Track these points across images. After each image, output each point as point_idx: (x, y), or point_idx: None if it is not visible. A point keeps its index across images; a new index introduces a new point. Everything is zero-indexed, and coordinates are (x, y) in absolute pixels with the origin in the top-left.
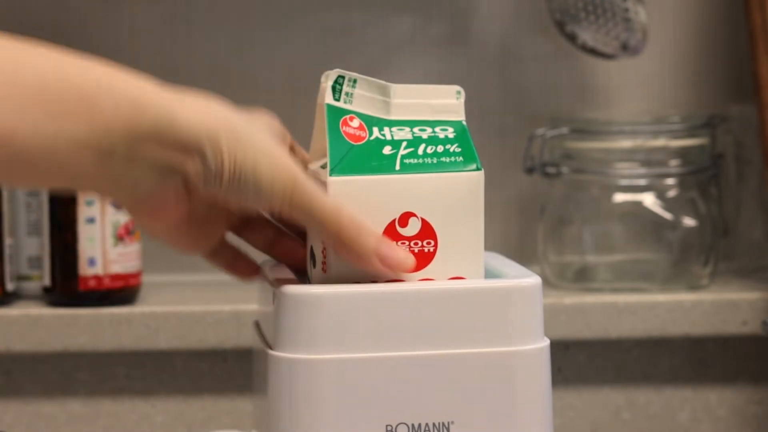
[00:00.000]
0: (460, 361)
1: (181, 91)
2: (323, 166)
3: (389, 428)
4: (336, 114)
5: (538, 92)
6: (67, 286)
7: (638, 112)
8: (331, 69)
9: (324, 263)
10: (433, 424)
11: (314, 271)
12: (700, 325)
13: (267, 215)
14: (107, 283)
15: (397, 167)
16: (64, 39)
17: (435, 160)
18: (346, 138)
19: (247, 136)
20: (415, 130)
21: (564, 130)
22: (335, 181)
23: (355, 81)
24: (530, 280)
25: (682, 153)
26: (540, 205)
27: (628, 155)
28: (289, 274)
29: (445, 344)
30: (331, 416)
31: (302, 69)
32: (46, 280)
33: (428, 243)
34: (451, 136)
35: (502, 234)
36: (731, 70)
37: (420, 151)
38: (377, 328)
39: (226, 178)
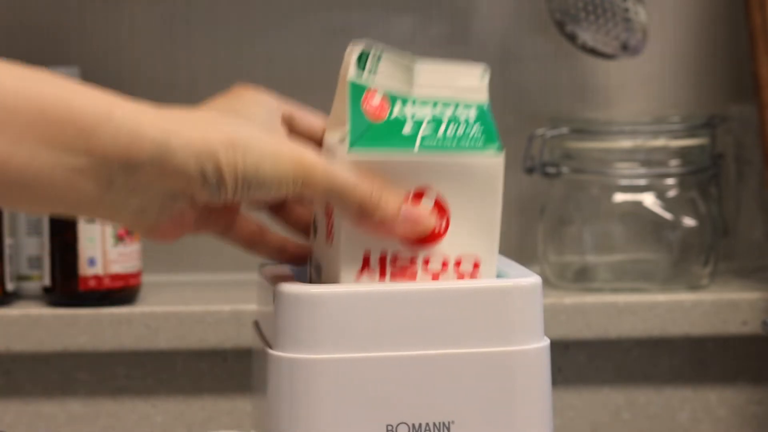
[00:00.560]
0: (460, 361)
1: (182, 112)
2: (341, 140)
3: (389, 428)
4: (358, 89)
5: (538, 92)
6: (67, 286)
7: (638, 112)
8: (333, 67)
9: (330, 234)
10: (434, 424)
11: (315, 242)
12: (700, 325)
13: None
14: (107, 283)
15: (416, 147)
16: (64, 39)
17: (455, 141)
18: (367, 114)
19: (244, 142)
20: (438, 108)
21: (564, 130)
22: (353, 157)
23: (380, 56)
24: (530, 279)
25: (682, 153)
26: (540, 205)
27: (628, 155)
28: (289, 273)
29: (445, 344)
30: (330, 416)
31: (302, 69)
32: (46, 280)
33: (440, 218)
34: (473, 116)
35: (502, 234)
36: (731, 70)
37: (441, 131)
38: (377, 327)
39: (231, 189)
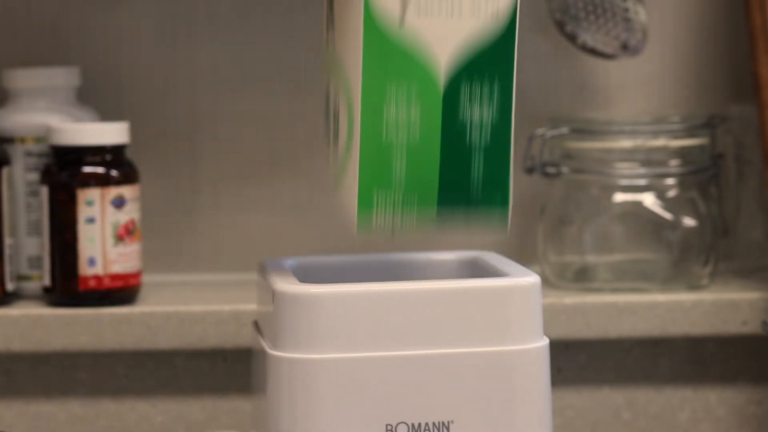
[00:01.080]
0: (460, 361)
1: None
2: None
3: (389, 428)
4: None
5: (538, 92)
6: (67, 286)
7: (638, 112)
8: None
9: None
10: (433, 424)
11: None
12: (700, 325)
13: None
14: (107, 283)
15: None
16: (64, 39)
17: None
18: None
19: None
20: None
21: (564, 130)
22: None
23: None
24: (530, 279)
25: (682, 153)
26: (540, 205)
27: (628, 155)
28: (289, 273)
29: (445, 343)
30: (330, 416)
31: (303, 68)
32: (46, 280)
33: None
34: None
35: (502, 234)
36: (731, 70)
37: None
38: (377, 327)
39: None
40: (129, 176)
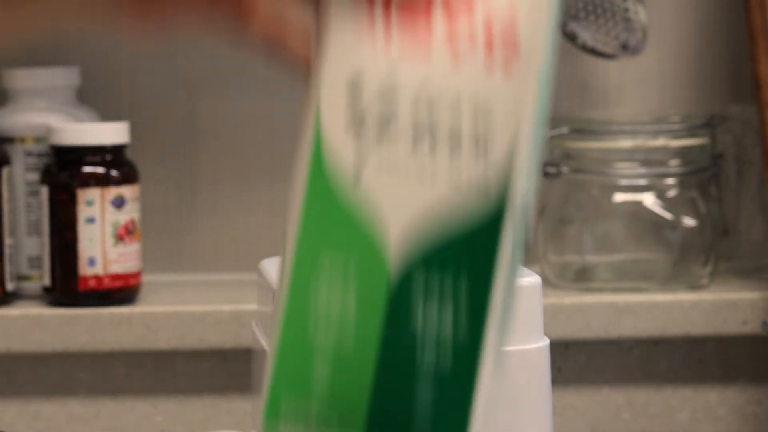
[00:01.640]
0: None
1: None
2: None
3: None
4: None
5: None
6: (67, 286)
7: (638, 112)
8: None
9: None
10: None
11: None
12: (700, 325)
13: None
14: (107, 283)
15: None
16: (64, 39)
17: None
18: None
19: None
20: None
21: (564, 130)
22: None
23: None
24: (530, 279)
25: (682, 153)
26: (540, 205)
27: (628, 155)
28: None
29: None
30: None
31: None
32: (46, 280)
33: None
34: None
35: None
36: (731, 70)
37: None
38: None
39: None
40: (129, 176)
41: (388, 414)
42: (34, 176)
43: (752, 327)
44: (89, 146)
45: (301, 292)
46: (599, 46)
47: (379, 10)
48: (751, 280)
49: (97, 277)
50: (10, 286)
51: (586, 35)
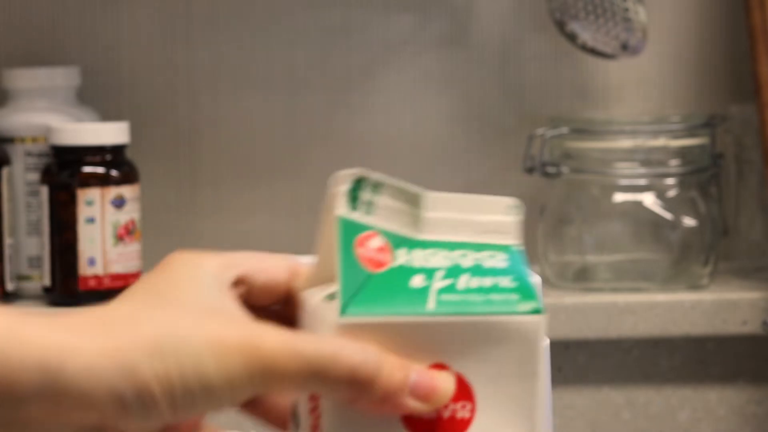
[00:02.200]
0: None
1: (87, 315)
2: (330, 297)
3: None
4: (351, 230)
5: (538, 92)
6: (67, 286)
7: (638, 112)
8: (333, 67)
9: (316, 428)
10: None
11: None
12: (700, 325)
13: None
14: (107, 283)
15: (431, 306)
16: (64, 39)
17: (481, 298)
18: (363, 263)
19: (174, 342)
20: (454, 255)
21: (564, 130)
22: (346, 323)
23: (377, 186)
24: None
25: (682, 153)
26: (540, 205)
27: (628, 155)
28: None
29: None
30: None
31: (302, 68)
32: (46, 280)
33: (463, 407)
34: (502, 265)
35: None
36: (731, 70)
37: (461, 285)
38: None
39: (167, 408)
40: (129, 176)
41: None
42: (34, 176)
43: (752, 327)
44: (89, 146)
45: None
46: (599, 46)
47: None
48: (751, 280)
49: (97, 277)
50: (10, 286)
51: (586, 35)
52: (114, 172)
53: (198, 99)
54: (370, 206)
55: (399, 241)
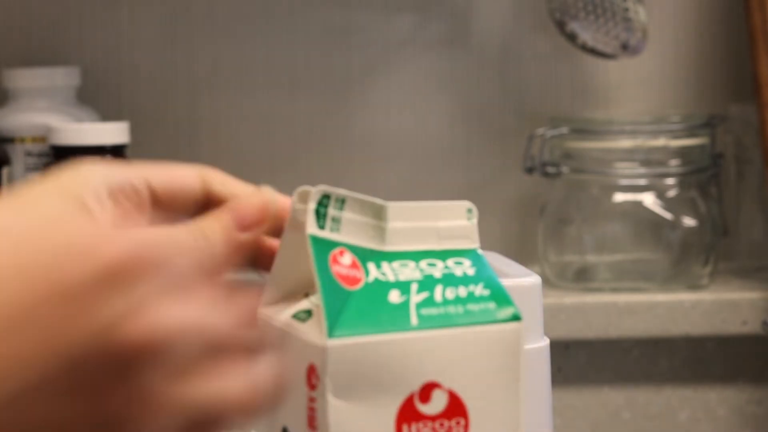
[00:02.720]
0: None
1: None
2: (300, 315)
3: None
4: (323, 248)
5: (538, 92)
6: None
7: (638, 112)
8: (332, 67)
9: (313, 420)
10: None
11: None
12: (700, 325)
13: None
14: None
15: (414, 321)
16: (64, 39)
17: (460, 309)
18: (340, 281)
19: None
20: (423, 265)
21: (564, 130)
22: (336, 345)
23: (342, 201)
24: (530, 279)
25: (682, 153)
26: (540, 205)
27: (628, 155)
28: None
29: None
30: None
31: (302, 68)
32: None
33: (458, 423)
34: (470, 272)
35: (502, 234)
36: (731, 70)
37: (438, 297)
38: None
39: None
40: None
41: None
42: (34, 176)
43: (752, 327)
44: (89, 146)
45: None
46: (599, 46)
47: None
48: (751, 280)
49: None
50: None
51: (586, 35)
52: None
53: (198, 99)
54: (336, 222)
55: (366, 255)
